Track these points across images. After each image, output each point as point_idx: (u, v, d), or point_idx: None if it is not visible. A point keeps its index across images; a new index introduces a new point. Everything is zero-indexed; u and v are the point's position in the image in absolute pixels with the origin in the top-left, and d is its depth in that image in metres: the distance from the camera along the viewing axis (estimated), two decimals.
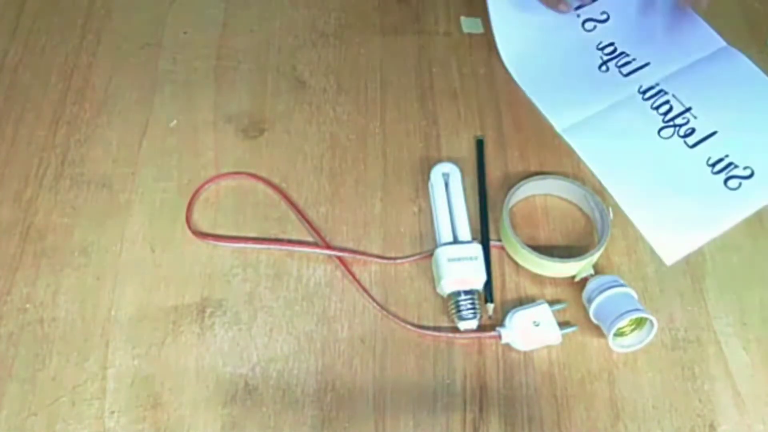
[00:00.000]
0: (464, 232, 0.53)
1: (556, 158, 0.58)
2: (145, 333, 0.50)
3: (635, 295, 0.50)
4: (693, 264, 0.54)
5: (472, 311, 0.49)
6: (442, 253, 0.51)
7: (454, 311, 0.50)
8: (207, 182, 0.56)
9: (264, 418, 0.47)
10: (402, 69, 0.63)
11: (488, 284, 0.51)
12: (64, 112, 0.59)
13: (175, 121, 0.59)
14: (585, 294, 0.51)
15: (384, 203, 0.56)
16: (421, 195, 0.56)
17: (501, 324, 0.50)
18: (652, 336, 0.48)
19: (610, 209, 0.55)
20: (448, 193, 0.55)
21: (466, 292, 0.50)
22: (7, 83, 0.61)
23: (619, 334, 0.49)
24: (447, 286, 0.50)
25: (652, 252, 0.54)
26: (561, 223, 0.55)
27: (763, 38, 0.66)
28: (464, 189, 0.55)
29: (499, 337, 0.49)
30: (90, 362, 0.48)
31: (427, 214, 0.55)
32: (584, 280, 0.51)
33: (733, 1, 0.68)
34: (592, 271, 0.51)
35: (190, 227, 0.54)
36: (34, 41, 0.64)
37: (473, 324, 0.50)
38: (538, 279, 0.53)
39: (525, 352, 0.50)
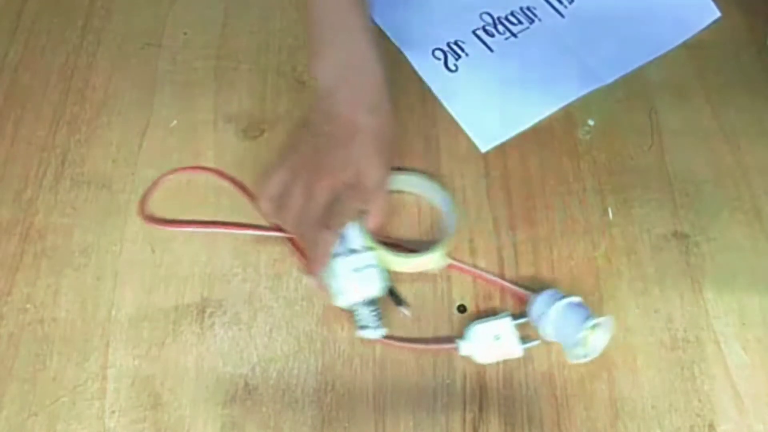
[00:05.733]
0: (357, 241, 0.51)
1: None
2: (145, 333, 0.50)
3: (580, 300, 0.49)
4: (693, 264, 0.54)
5: (373, 320, 0.48)
6: (337, 266, 0.49)
7: (356, 322, 0.49)
8: (167, 174, 0.56)
9: (264, 418, 0.47)
10: (401, 70, 0.63)
11: (392, 289, 0.51)
12: (65, 113, 0.59)
13: (175, 122, 0.59)
14: (531, 314, 0.50)
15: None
16: (421, 195, 0.56)
17: (461, 336, 0.49)
18: (608, 338, 0.48)
19: (610, 209, 0.55)
20: None
21: (366, 303, 0.49)
22: (7, 83, 0.61)
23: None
24: (345, 299, 0.49)
25: (652, 252, 0.54)
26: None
27: (763, 38, 0.66)
28: None
29: (457, 349, 0.49)
30: (90, 362, 0.48)
31: (427, 213, 0.55)
32: (526, 300, 0.51)
33: (733, 1, 0.68)
34: (447, 262, 0.52)
35: (142, 214, 0.54)
36: (34, 41, 0.64)
37: (379, 333, 0.49)
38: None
39: (525, 353, 0.50)
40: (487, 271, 0.53)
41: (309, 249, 0.50)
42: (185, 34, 0.65)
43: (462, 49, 0.64)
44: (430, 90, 0.62)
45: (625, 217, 0.56)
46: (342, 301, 0.49)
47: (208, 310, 0.51)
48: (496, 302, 0.52)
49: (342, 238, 0.50)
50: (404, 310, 0.50)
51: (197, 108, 0.60)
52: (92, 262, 0.52)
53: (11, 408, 0.47)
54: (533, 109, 0.61)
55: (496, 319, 0.50)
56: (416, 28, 0.65)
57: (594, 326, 0.47)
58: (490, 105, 0.61)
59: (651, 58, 0.64)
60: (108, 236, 0.54)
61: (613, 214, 0.55)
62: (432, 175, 0.56)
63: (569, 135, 0.60)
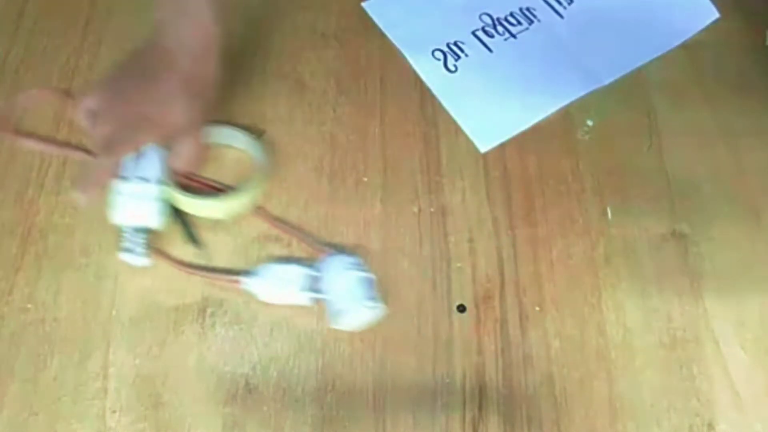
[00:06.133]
0: (152, 171, 0.53)
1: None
2: (146, 333, 0.50)
3: (372, 277, 0.50)
4: (691, 264, 0.54)
5: (139, 246, 0.51)
6: (120, 187, 0.52)
7: (121, 243, 0.51)
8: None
9: (265, 417, 0.47)
10: (401, 70, 0.63)
11: (187, 227, 0.53)
12: (65, 113, 0.60)
13: None
14: (320, 269, 0.51)
15: (384, 203, 0.56)
16: (421, 195, 0.56)
17: (251, 272, 0.51)
18: (371, 322, 0.50)
19: (609, 209, 0.55)
20: None
21: (139, 229, 0.51)
22: (8, 84, 0.61)
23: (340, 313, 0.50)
24: (117, 218, 0.51)
25: (651, 251, 0.54)
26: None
27: (762, 39, 0.66)
28: None
29: (239, 282, 0.50)
30: (91, 362, 0.49)
31: (427, 214, 0.56)
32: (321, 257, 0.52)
33: (732, 2, 0.68)
34: (236, 214, 0.54)
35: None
36: (35, 42, 0.64)
37: (140, 261, 0.51)
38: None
39: (525, 352, 0.50)
40: (288, 224, 0.54)
41: (89, 170, 0.50)
42: None
43: (461, 50, 0.64)
44: (430, 90, 0.62)
45: (624, 217, 0.56)
46: (114, 219, 0.51)
47: (209, 310, 0.51)
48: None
49: (139, 163, 0.53)
50: (195, 248, 0.52)
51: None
52: (93, 261, 0.53)
53: (12, 407, 0.47)
54: (532, 109, 0.61)
55: (290, 263, 0.51)
56: (416, 28, 0.65)
57: (371, 307, 0.49)
58: (489, 105, 0.61)
59: (650, 58, 0.64)
60: (109, 236, 0.54)
61: (612, 214, 0.56)
62: (249, 128, 0.58)
63: (568, 135, 0.60)
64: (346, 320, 0.49)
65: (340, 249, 0.53)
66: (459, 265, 0.53)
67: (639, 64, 0.64)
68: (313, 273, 0.51)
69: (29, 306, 0.51)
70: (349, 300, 0.49)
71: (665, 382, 0.49)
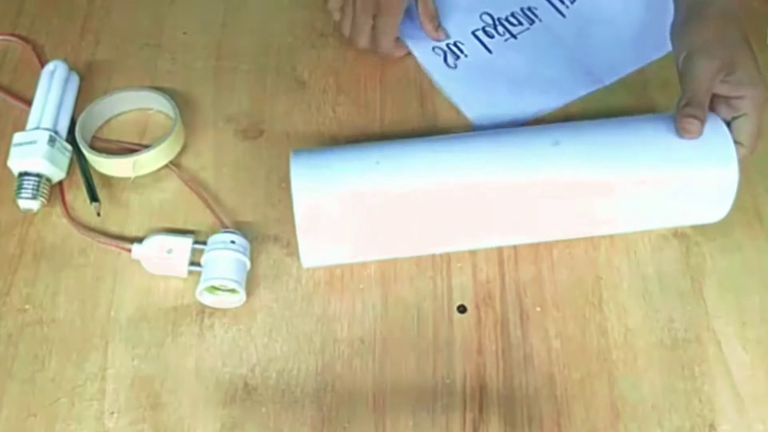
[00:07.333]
0: (46, 121, 0.55)
1: None
2: (144, 333, 0.50)
3: (248, 265, 0.51)
4: (693, 264, 0.54)
5: (30, 191, 0.52)
6: (16, 136, 0.54)
7: (16, 188, 0.53)
8: None
9: (264, 419, 0.47)
10: (401, 69, 0.63)
11: (89, 184, 0.54)
12: None
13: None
14: (208, 241, 0.51)
15: None
16: None
17: (140, 240, 0.51)
18: (231, 306, 0.50)
19: None
20: (51, 86, 0.57)
21: (33, 174, 0.53)
22: (6, 83, 0.61)
23: (212, 290, 0.50)
24: (12, 165, 0.53)
25: (652, 251, 0.54)
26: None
27: (763, 38, 0.66)
28: (65, 84, 0.58)
29: (130, 251, 0.51)
30: (89, 363, 0.48)
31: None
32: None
33: None
34: (140, 173, 0.55)
35: None
36: (33, 42, 0.64)
37: (33, 205, 0.53)
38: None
39: (526, 352, 0.49)
40: (201, 187, 0.56)
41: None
42: (185, 33, 0.65)
43: (461, 51, 0.64)
44: (430, 89, 0.62)
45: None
46: (10, 166, 0.53)
47: (208, 311, 0.51)
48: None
49: (42, 114, 0.56)
50: (96, 207, 0.53)
51: (197, 108, 0.60)
52: (91, 262, 0.52)
53: (10, 408, 0.47)
54: (532, 110, 0.60)
55: (176, 236, 0.51)
56: (416, 28, 0.65)
57: (232, 290, 0.49)
58: (489, 105, 0.61)
59: (651, 59, 0.64)
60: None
61: None
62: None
63: None
64: (207, 296, 0.50)
65: (242, 228, 0.53)
66: (459, 265, 0.53)
67: (641, 64, 0.63)
68: (199, 246, 0.51)
69: (27, 307, 0.50)
70: (215, 277, 0.49)
71: (667, 383, 0.49)
